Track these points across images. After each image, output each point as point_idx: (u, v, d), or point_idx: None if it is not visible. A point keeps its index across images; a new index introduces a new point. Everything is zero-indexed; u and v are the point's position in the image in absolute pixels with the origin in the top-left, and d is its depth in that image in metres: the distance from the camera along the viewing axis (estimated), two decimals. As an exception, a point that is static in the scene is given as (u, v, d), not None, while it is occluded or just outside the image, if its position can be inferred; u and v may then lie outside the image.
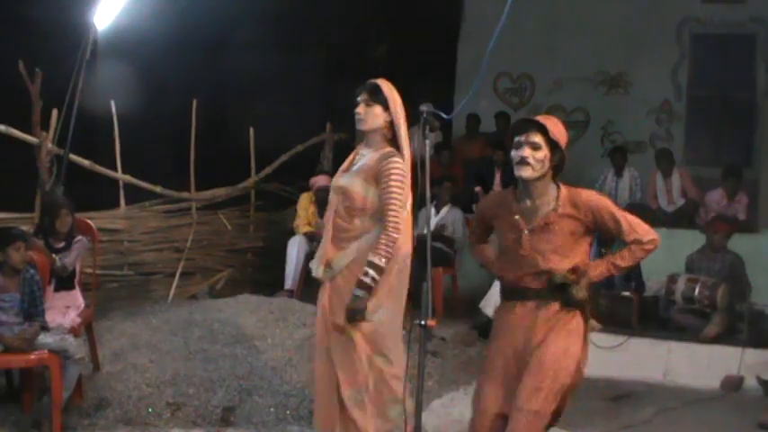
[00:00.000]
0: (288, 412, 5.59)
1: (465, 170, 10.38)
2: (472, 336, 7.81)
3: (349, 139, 10.61)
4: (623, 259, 4.05)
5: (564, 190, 4.00)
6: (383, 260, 4.21)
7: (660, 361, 7.14)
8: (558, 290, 3.94)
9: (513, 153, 3.92)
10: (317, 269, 4.47)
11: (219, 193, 9.46)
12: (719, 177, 9.30)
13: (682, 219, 9.35)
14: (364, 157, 4.39)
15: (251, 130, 9.69)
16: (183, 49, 8.26)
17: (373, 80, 4.39)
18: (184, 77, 8.58)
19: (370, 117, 4.32)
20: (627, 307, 7.48)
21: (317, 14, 9.16)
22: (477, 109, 10.71)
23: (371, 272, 4.21)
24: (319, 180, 8.97)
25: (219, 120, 9.15)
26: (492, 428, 3.97)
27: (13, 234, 5.29)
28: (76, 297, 6.06)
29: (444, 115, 3.87)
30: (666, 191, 9.69)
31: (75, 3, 7.33)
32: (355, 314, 4.26)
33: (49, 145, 7.15)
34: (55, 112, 7.19)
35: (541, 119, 3.97)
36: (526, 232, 3.97)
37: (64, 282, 5.99)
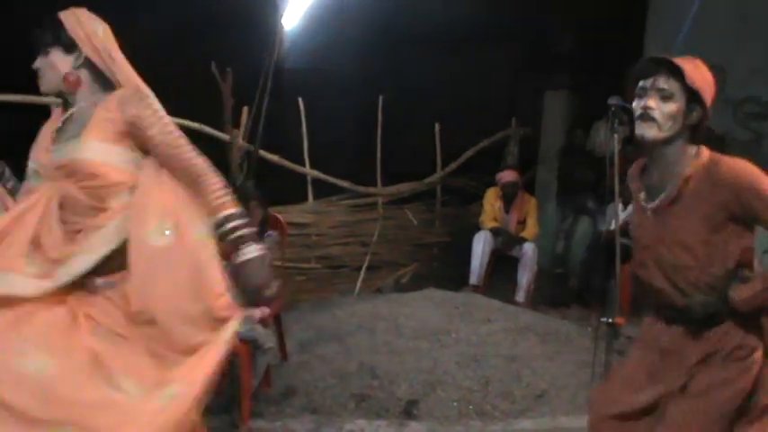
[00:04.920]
0: (471, 407, 5.54)
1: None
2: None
3: (534, 134, 10.48)
4: None
5: (704, 158, 2.96)
6: None
7: None
8: (706, 320, 2.97)
9: (635, 103, 3.02)
10: None
11: (405, 188, 9.51)
12: None
13: None
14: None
15: (436, 125, 9.71)
16: (369, 47, 8.36)
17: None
18: (370, 74, 8.69)
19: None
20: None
21: (501, 9, 9.06)
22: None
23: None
24: (506, 175, 8.89)
25: (405, 115, 9.20)
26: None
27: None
28: (266, 289, 6.21)
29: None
30: None
31: (263, 4, 7.55)
32: None
33: (240, 141, 7.41)
34: (245, 110, 7.45)
35: (679, 60, 2.96)
36: (649, 215, 3.07)
37: (254, 274, 6.15)
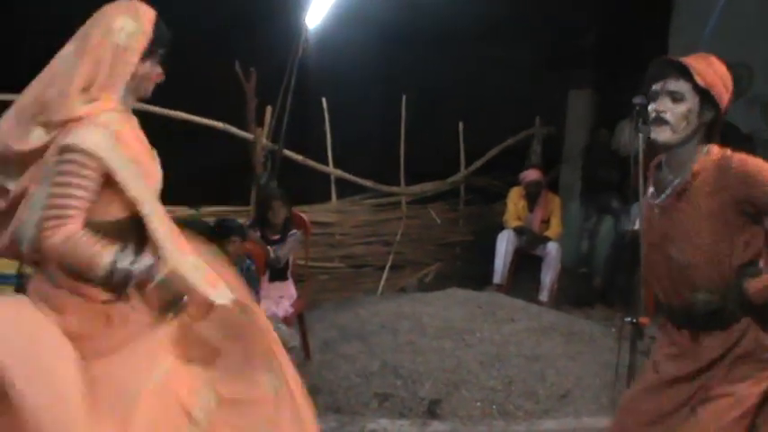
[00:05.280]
0: (494, 407, 5.53)
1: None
2: (686, 335, 7.47)
3: (558, 133, 10.44)
4: None
5: (713, 154, 2.92)
6: None
7: None
8: (709, 318, 2.93)
9: (649, 107, 2.97)
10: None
11: (429, 187, 9.51)
12: None
13: None
14: None
15: (460, 124, 9.70)
16: (392, 46, 8.35)
17: None
18: (394, 73, 8.69)
19: None
20: None
21: (525, 8, 9.03)
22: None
23: None
24: (530, 174, 8.88)
25: (428, 115, 9.19)
26: None
27: (230, 228, 5.49)
28: (289, 288, 6.24)
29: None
30: None
31: (286, 4, 7.56)
32: None
33: (264, 141, 7.44)
34: (269, 109, 7.48)
35: (690, 59, 2.93)
36: (656, 210, 3.02)
37: (278, 273, 6.18)
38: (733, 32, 9.31)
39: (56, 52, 2.74)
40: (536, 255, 8.71)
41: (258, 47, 7.10)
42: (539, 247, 8.68)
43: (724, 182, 2.84)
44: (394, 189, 9.07)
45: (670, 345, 3.11)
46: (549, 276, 8.55)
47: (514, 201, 8.89)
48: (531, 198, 8.84)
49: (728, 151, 2.92)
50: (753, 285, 2.84)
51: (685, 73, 2.90)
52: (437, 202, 9.67)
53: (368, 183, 8.79)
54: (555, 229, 8.76)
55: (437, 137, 9.43)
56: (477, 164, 9.98)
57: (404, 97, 8.91)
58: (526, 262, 8.80)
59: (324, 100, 8.30)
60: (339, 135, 8.41)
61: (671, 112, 2.90)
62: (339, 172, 8.46)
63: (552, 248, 8.59)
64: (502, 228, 8.81)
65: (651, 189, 3.09)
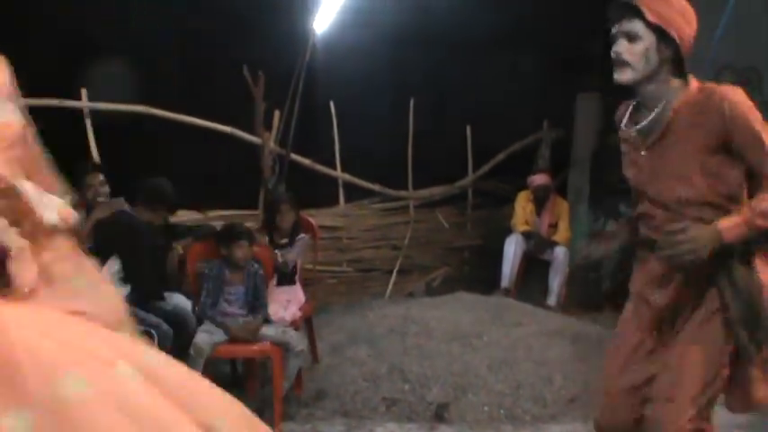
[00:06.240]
0: (502, 411, 5.52)
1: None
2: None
3: (566, 136, 10.42)
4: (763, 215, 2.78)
5: (693, 86, 2.94)
6: None
7: None
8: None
9: (611, 51, 3.00)
10: None
11: (437, 191, 9.51)
12: None
13: None
14: None
15: (468, 128, 9.70)
16: (400, 50, 8.35)
17: None
18: (401, 77, 8.69)
19: None
20: None
21: (533, 11, 9.02)
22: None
23: None
24: (538, 178, 8.87)
25: (436, 118, 9.18)
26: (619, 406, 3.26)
27: (237, 232, 5.50)
28: (297, 292, 6.24)
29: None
30: None
31: (294, 8, 7.57)
32: None
33: (272, 145, 7.45)
34: (277, 113, 7.49)
35: None
36: (643, 153, 3.01)
37: (285, 277, 6.17)
38: (741, 37, 9.28)
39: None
40: (544, 259, 8.71)
41: (266, 51, 7.12)
42: (546, 251, 8.68)
43: (707, 114, 2.85)
44: (402, 193, 9.07)
45: (649, 276, 3.18)
46: (556, 280, 8.54)
47: (522, 205, 8.90)
48: (539, 202, 8.84)
49: (710, 85, 2.94)
50: (723, 223, 2.83)
51: (638, 12, 2.91)
52: (445, 205, 9.66)
53: (376, 186, 8.80)
54: (563, 233, 8.76)
55: (445, 140, 9.43)
56: (485, 168, 9.96)
57: (411, 101, 8.91)
58: (534, 266, 8.80)
59: (332, 104, 8.31)
60: (347, 139, 8.42)
61: (628, 51, 2.92)
62: (347, 176, 8.47)
63: (560, 252, 8.58)
64: (510, 232, 8.81)
65: (633, 132, 3.06)
